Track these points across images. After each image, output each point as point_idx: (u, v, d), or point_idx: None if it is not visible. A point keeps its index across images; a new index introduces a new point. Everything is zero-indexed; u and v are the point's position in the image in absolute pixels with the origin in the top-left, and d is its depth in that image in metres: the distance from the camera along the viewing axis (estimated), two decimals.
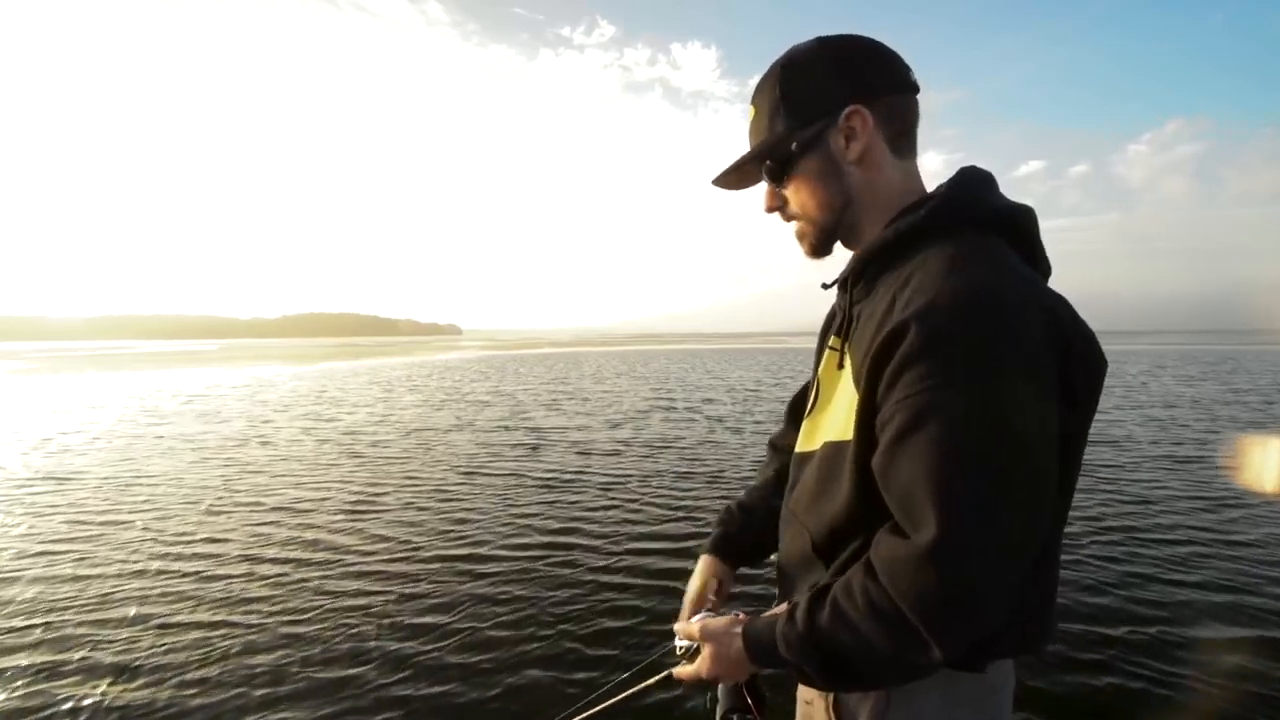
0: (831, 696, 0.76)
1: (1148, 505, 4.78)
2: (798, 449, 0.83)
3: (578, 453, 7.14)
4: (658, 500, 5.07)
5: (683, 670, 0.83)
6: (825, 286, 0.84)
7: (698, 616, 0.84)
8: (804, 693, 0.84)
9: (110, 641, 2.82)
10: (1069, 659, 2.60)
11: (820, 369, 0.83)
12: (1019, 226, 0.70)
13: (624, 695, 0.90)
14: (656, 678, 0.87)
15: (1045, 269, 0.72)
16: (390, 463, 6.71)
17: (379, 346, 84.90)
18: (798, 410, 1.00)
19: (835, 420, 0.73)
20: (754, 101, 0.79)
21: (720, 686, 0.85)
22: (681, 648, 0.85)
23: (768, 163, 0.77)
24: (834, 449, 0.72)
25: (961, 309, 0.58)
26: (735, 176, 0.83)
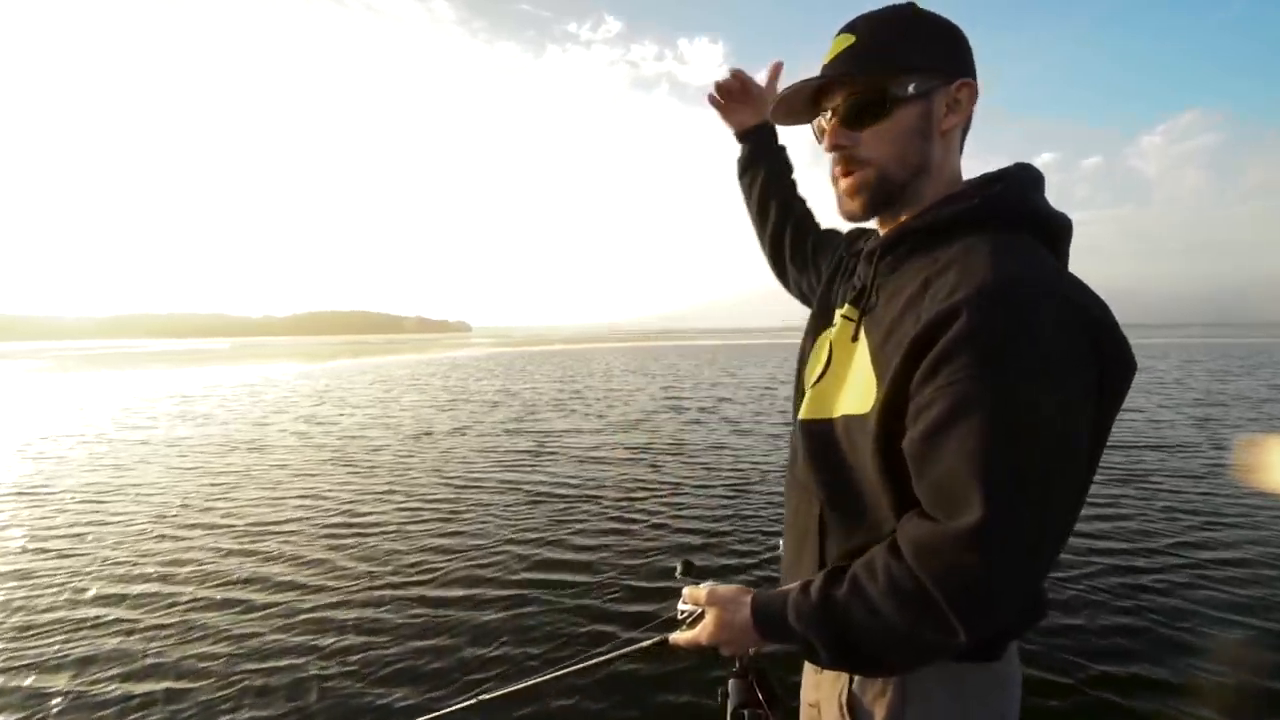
0: (844, 695, 0.74)
1: (1209, 516, 4.21)
2: (804, 415, 0.80)
3: (584, 461, 6.64)
4: (673, 522, 4.57)
5: (681, 636, 0.80)
6: (850, 253, 0.86)
7: (705, 585, 0.80)
8: (808, 694, 0.82)
9: (36, 693, 2.38)
10: (1100, 675, 2.47)
11: (833, 335, 0.80)
12: (1057, 233, 0.69)
13: (618, 654, 0.88)
14: (651, 640, 0.84)
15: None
16: (383, 472, 6.25)
17: (388, 344, 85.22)
18: (831, 234, 1.08)
19: (852, 394, 0.72)
20: (855, 30, 0.71)
21: (731, 682, 0.85)
22: (685, 612, 0.81)
23: (863, 94, 0.70)
24: (854, 423, 0.71)
25: (1011, 300, 0.58)
26: (798, 105, 0.76)
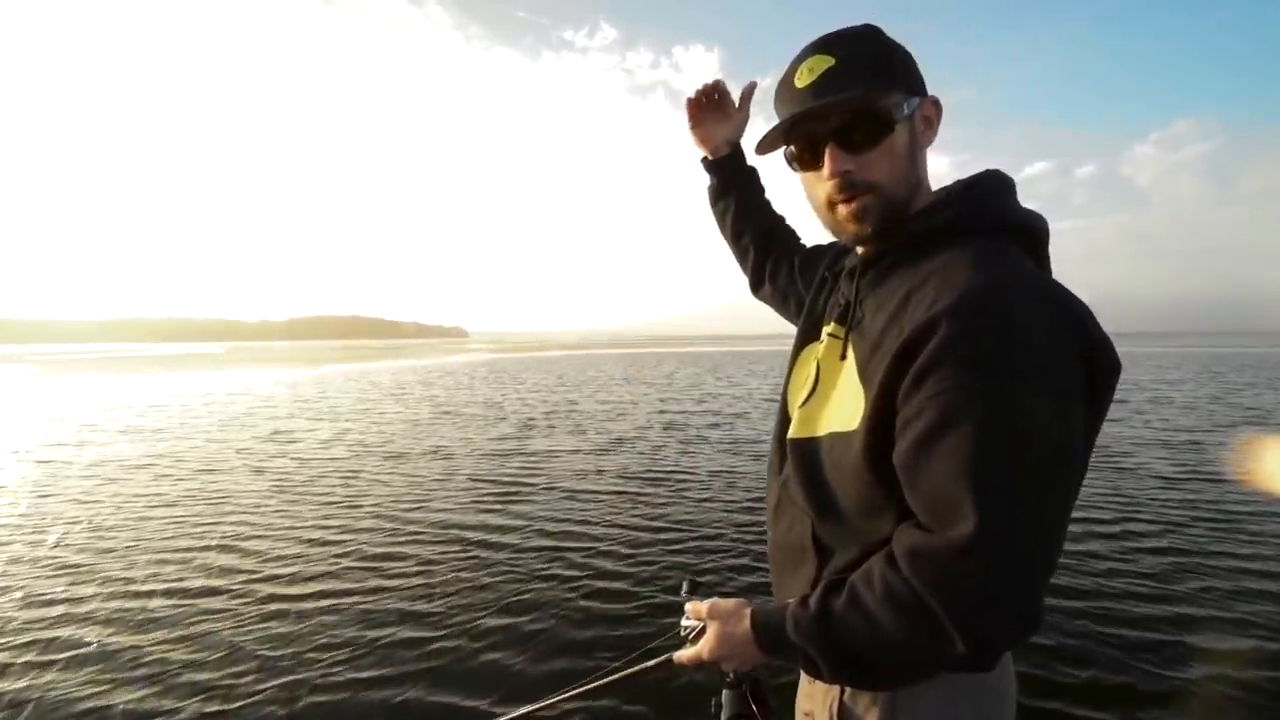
0: (835, 705, 0.74)
1: None
2: (794, 434, 0.81)
3: (569, 496, 5.72)
4: (677, 555, 3.67)
5: (684, 654, 0.81)
6: (832, 271, 0.86)
7: (708, 600, 0.81)
8: (802, 703, 0.83)
9: None
10: None
11: (820, 353, 0.80)
12: (1034, 234, 0.70)
13: (621, 675, 0.89)
14: (656, 661, 0.85)
15: (1048, 273, 0.71)
16: (332, 505, 5.33)
17: (383, 349, 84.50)
18: (813, 252, 1.07)
19: (840, 410, 0.72)
20: (831, 50, 0.70)
21: (724, 693, 0.84)
22: (687, 628, 0.82)
23: (864, 116, 0.69)
24: (841, 439, 0.70)
25: (992, 308, 0.58)
26: (778, 133, 0.73)
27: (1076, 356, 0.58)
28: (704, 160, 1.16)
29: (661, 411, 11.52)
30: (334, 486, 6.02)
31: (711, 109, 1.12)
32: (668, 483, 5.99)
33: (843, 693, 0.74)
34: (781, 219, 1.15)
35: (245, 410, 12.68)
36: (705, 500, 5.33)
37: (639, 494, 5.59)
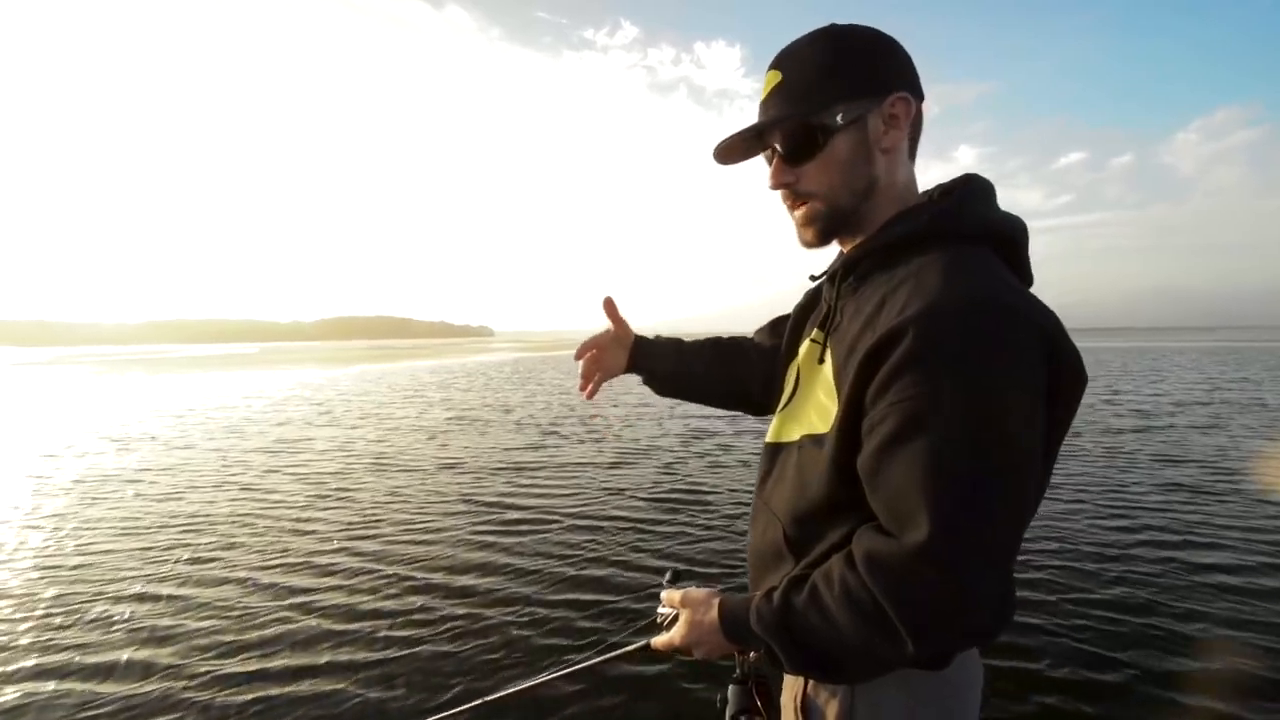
0: (799, 696, 0.76)
1: None
2: (770, 439, 0.83)
3: (583, 524, 5.01)
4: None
5: (659, 640, 0.83)
6: (814, 279, 0.87)
7: (682, 588, 0.83)
8: (783, 695, 0.85)
9: None
10: None
11: (800, 359, 0.82)
12: (1012, 240, 0.70)
13: (603, 658, 0.92)
14: (634, 645, 0.88)
15: (1028, 280, 0.72)
16: (319, 540, 4.71)
17: (409, 349, 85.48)
18: (778, 327, 1.03)
19: (815, 414, 0.73)
20: (781, 67, 0.73)
21: (730, 688, 0.85)
22: (663, 615, 0.84)
23: (796, 133, 0.72)
24: (812, 443, 0.72)
25: (959, 317, 0.58)
26: (739, 146, 0.77)
27: (1043, 361, 0.58)
28: (625, 369, 1.08)
29: (688, 419, 10.69)
30: (325, 511, 5.40)
31: (604, 356, 1.04)
32: (685, 492, 5.22)
33: (806, 684, 0.75)
34: (734, 346, 1.09)
35: (258, 415, 12.31)
36: (717, 508, 4.55)
37: (647, 510, 4.84)
